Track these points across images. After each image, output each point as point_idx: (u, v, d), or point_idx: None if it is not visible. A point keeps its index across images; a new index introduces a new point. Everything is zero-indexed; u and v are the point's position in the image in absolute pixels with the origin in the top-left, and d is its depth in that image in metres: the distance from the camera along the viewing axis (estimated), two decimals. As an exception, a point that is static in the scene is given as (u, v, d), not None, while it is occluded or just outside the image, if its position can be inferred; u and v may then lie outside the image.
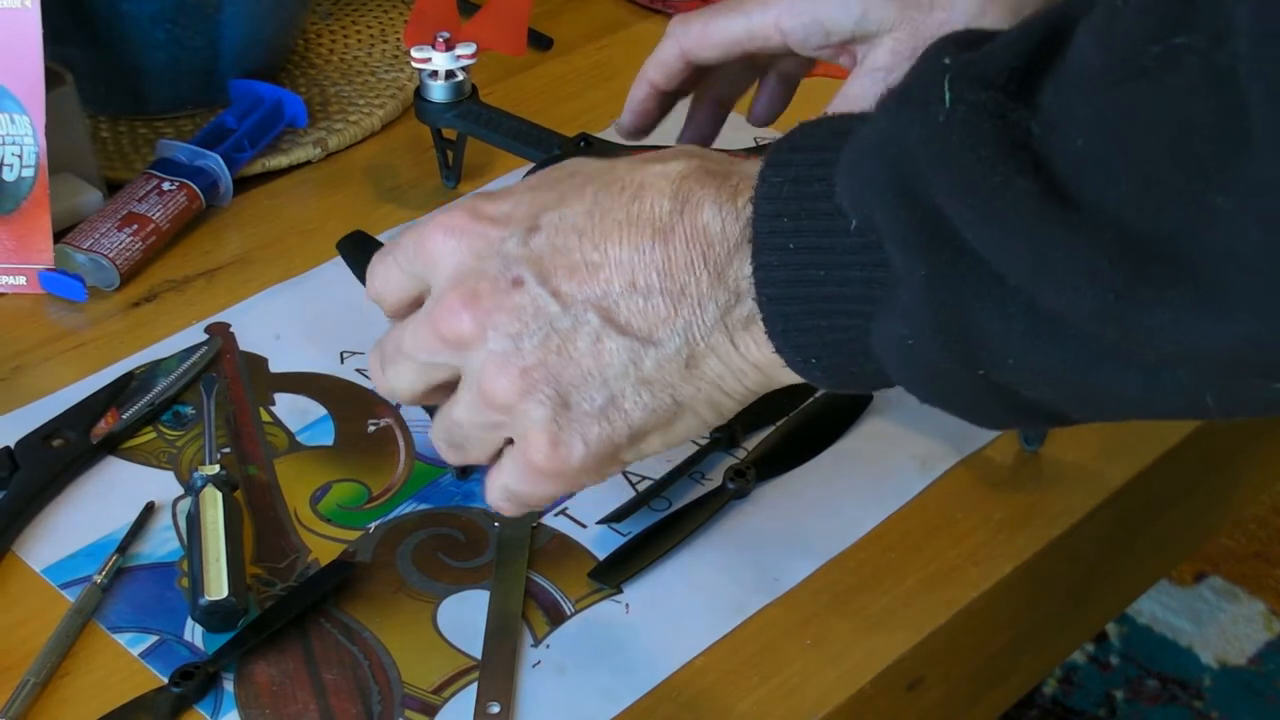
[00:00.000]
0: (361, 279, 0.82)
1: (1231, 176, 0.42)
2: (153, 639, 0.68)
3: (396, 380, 0.63)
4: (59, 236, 0.88)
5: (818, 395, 0.80)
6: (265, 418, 0.80)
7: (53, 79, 0.88)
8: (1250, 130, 0.41)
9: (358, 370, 0.82)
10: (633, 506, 0.74)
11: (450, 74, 0.91)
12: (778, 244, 0.54)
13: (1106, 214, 0.45)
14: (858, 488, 0.76)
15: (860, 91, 0.76)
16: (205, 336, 0.84)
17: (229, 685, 0.66)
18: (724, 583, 0.71)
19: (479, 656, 0.67)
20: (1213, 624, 1.81)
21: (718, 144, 0.86)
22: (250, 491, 0.75)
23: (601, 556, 0.72)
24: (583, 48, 1.12)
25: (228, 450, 0.77)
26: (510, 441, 0.61)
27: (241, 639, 0.67)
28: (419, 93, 0.92)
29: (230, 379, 0.82)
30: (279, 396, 0.81)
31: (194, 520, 0.71)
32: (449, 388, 0.62)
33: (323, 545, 0.73)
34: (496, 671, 0.67)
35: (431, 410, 0.68)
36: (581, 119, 1.01)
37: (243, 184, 0.96)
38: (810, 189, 0.54)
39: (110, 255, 0.87)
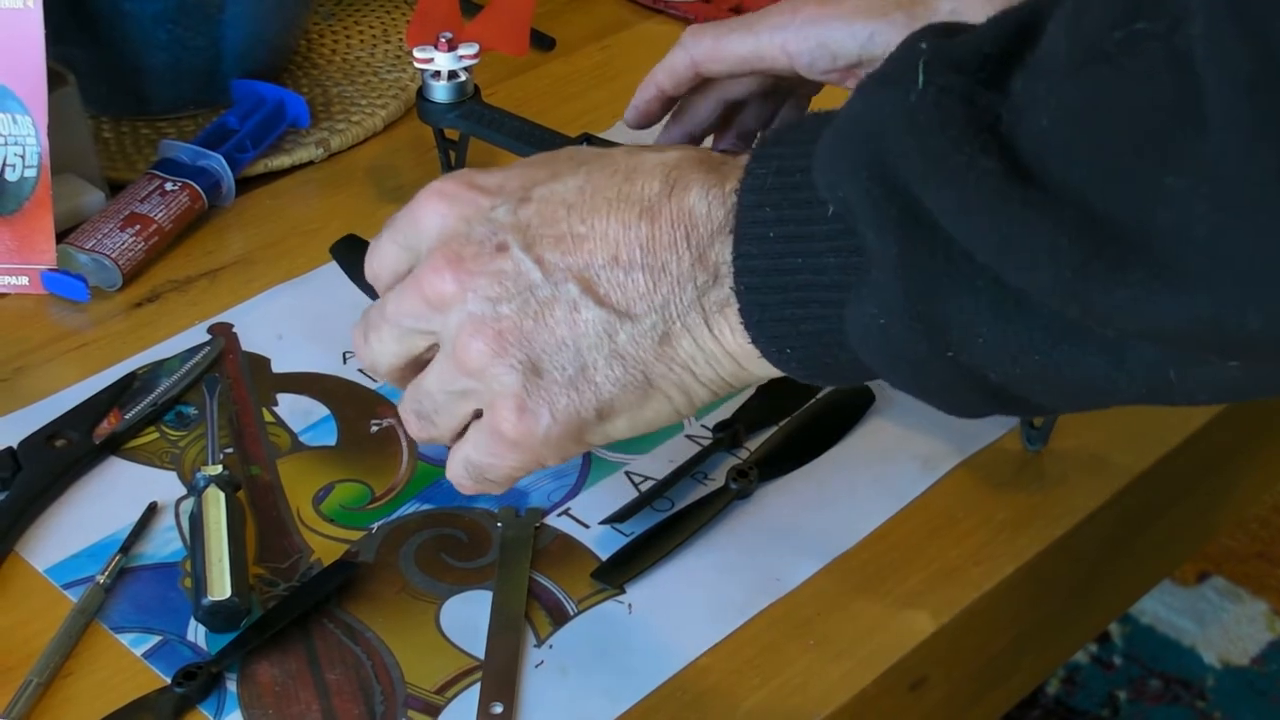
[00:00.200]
0: (355, 281, 0.83)
1: (1186, 158, 0.43)
2: (155, 639, 0.68)
3: (378, 347, 0.64)
4: (61, 237, 0.88)
5: (820, 396, 0.80)
6: (268, 418, 0.80)
7: (55, 79, 0.88)
8: (1205, 112, 0.42)
9: (360, 370, 0.82)
10: (635, 507, 0.74)
11: (453, 74, 0.90)
12: (758, 233, 0.55)
13: (1068, 194, 0.46)
14: (860, 488, 0.76)
15: None
16: (208, 337, 0.84)
17: (232, 686, 0.66)
18: (726, 583, 0.71)
19: (482, 657, 0.68)
20: (1215, 624, 1.81)
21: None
22: (253, 492, 0.75)
23: (604, 557, 0.72)
24: (585, 48, 1.12)
25: (230, 450, 0.77)
26: (478, 415, 0.62)
27: (244, 639, 0.67)
28: (421, 93, 0.92)
29: (233, 379, 0.82)
30: (281, 397, 0.81)
31: (197, 520, 0.71)
32: (425, 367, 0.63)
33: (325, 545, 0.73)
34: (499, 672, 0.67)
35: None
36: (584, 119, 1.01)
37: (245, 184, 0.96)
38: (792, 179, 0.54)
39: (113, 255, 0.87)
